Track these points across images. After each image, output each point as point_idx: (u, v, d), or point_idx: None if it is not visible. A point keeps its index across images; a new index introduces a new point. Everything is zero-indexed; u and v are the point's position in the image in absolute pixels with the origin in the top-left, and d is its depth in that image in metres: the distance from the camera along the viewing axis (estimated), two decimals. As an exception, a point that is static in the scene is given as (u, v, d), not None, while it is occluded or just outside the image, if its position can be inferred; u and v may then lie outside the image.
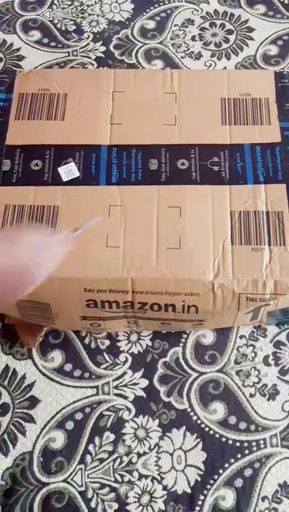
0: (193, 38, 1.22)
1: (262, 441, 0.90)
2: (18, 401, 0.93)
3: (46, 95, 0.94)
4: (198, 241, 0.83)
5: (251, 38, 1.22)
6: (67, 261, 0.80)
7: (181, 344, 0.96)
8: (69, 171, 0.88)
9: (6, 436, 0.91)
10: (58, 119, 0.92)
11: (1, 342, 0.96)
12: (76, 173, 0.88)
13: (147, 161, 0.89)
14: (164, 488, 0.88)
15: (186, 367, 0.94)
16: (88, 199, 0.86)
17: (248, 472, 0.88)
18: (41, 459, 0.90)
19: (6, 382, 0.94)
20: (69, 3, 1.25)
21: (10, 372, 0.95)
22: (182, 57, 1.20)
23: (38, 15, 1.24)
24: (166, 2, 1.26)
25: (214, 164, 0.88)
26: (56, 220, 0.84)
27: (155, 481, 0.88)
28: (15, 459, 0.90)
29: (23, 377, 0.94)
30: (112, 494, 0.88)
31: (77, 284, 0.81)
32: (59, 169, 0.88)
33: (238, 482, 0.88)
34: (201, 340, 0.96)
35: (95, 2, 1.25)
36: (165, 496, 0.87)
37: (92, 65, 1.18)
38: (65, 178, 0.88)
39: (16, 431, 0.91)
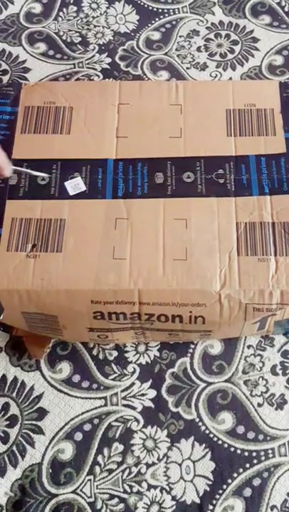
0: (198, 49, 1.22)
1: (270, 451, 0.90)
2: (27, 412, 0.93)
3: (52, 108, 0.94)
4: (205, 252, 0.83)
5: (256, 49, 1.23)
6: (75, 273, 0.81)
7: (189, 354, 0.96)
8: (76, 185, 0.88)
9: (14, 447, 0.91)
10: (64, 133, 0.93)
11: (10, 354, 0.97)
12: (83, 187, 0.88)
13: (153, 174, 0.89)
14: (173, 498, 0.88)
15: (194, 377, 0.95)
16: (95, 212, 0.86)
17: (256, 482, 0.89)
18: (50, 470, 0.90)
19: (14, 394, 0.95)
20: (74, 15, 1.26)
21: (18, 384, 0.95)
22: (188, 68, 1.20)
23: (43, 27, 1.25)
24: (172, 13, 1.27)
25: (220, 177, 0.88)
26: (63, 233, 0.85)
27: (164, 491, 0.89)
28: (24, 470, 0.90)
29: (32, 388, 0.95)
30: (121, 505, 0.88)
31: (84, 296, 0.82)
32: (65, 183, 0.88)
33: (247, 492, 0.88)
34: (209, 350, 0.96)
35: (100, 14, 1.26)
36: (174, 507, 0.88)
37: (98, 76, 1.18)
38: (71, 192, 0.88)
39: (24, 442, 0.92)
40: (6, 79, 1.18)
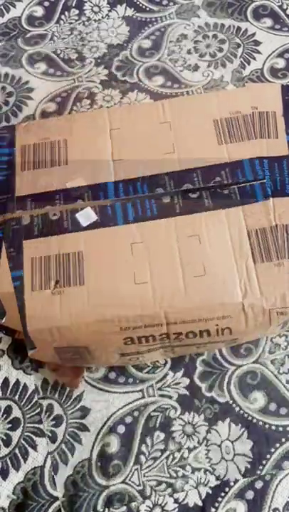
0: (188, 52, 1.27)
1: None
2: (71, 411, 0.98)
3: (47, 144, 0.97)
4: (222, 265, 0.85)
5: (258, 52, 1.27)
6: (100, 303, 0.83)
7: (216, 341, 1.00)
8: (87, 216, 0.90)
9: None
10: (62, 164, 0.95)
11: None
12: (94, 217, 0.90)
13: (154, 190, 0.91)
14: (217, 478, 0.93)
15: (223, 362, 0.99)
16: (110, 240, 0.88)
17: (258, 484, 0.93)
18: (99, 464, 0.95)
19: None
20: (68, 33, 1.31)
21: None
22: (181, 71, 1.25)
23: (41, 48, 1.29)
24: (159, 21, 1.32)
25: (223, 188, 0.90)
26: (83, 265, 0.86)
27: (208, 472, 0.93)
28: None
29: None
30: (169, 489, 0.93)
31: (112, 325, 0.84)
32: (77, 215, 0.90)
33: (287, 464, 0.93)
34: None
35: (93, 29, 1.31)
36: (219, 485, 0.93)
37: (98, 88, 1.23)
38: (84, 224, 0.89)
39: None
40: (12, 100, 1.23)
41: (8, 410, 0.98)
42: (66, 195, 0.92)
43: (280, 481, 0.92)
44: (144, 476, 0.94)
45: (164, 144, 0.95)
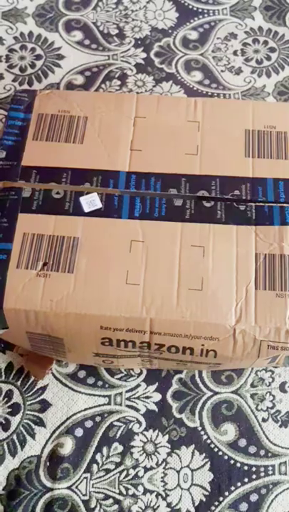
0: (234, 53, 1.21)
1: (270, 468, 0.89)
2: (30, 403, 0.93)
3: (66, 117, 0.92)
4: (221, 283, 0.81)
5: (293, 58, 1.22)
6: (85, 296, 0.78)
7: (198, 361, 0.95)
8: (91, 201, 0.85)
9: (15, 436, 0.91)
10: (76, 142, 0.90)
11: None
12: (98, 205, 0.85)
13: (167, 190, 0.86)
14: (168, 505, 0.88)
15: (201, 385, 0.94)
16: (109, 232, 0.84)
17: (253, 497, 0.88)
18: (48, 464, 0.89)
19: (18, 383, 0.94)
20: (114, 6, 1.25)
21: (24, 374, 0.95)
22: (222, 71, 1.19)
23: (81, 15, 1.24)
24: (211, 14, 1.26)
25: (240, 203, 0.85)
26: (76, 252, 0.82)
27: (160, 497, 0.88)
28: (22, 461, 0.90)
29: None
30: (116, 506, 0.87)
31: (93, 321, 0.79)
32: (81, 199, 0.86)
33: (243, 506, 0.88)
34: (218, 359, 0.96)
35: (140, 8, 1.25)
36: (168, 514, 0.87)
37: (131, 70, 1.18)
38: (86, 209, 0.85)
39: (25, 432, 0.91)
40: (39, 63, 1.18)
41: (9, 394, 0.94)
42: (74, 175, 0.87)
43: (275, 497, 0.88)
44: (93, 486, 0.89)
45: (188, 144, 0.90)
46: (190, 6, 1.27)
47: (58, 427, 0.92)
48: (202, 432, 0.92)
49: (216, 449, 0.91)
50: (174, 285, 0.80)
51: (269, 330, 0.78)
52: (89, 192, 0.86)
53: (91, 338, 0.81)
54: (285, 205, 0.84)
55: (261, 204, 0.85)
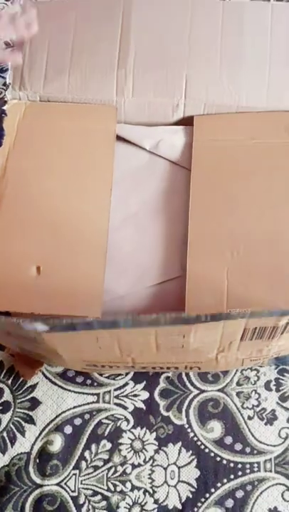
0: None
1: (256, 465, 0.91)
2: (20, 401, 0.94)
3: None
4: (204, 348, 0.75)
5: None
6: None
7: (185, 360, 0.97)
8: None
9: (5, 434, 0.93)
10: None
11: None
12: None
13: None
14: (156, 501, 0.89)
15: (188, 383, 0.95)
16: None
17: (239, 494, 0.89)
18: (37, 461, 0.91)
19: (9, 381, 0.95)
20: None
21: (14, 372, 0.96)
22: None
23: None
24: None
25: None
26: None
27: (147, 493, 0.89)
28: (12, 458, 0.91)
29: None
30: (104, 502, 0.89)
31: (76, 359, 0.82)
32: None
33: (229, 503, 0.89)
34: (206, 358, 0.97)
35: None
36: (155, 510, 0.89)
37: None
38: None
39: (15, 430, 0.92)
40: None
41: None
42: None
43: (260, 493, 0.89)
44: (82, 483, 0.90)
45: None
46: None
47: (48, 424, 0.93)
48: (189, 430, 0.93)
49: (202, 447, 0.92)
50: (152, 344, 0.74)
51: (251, 352, 0.79)
52: None
53: (77, 356, 0.82)
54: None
55: None
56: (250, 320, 0.65)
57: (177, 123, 0.94)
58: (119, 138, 0.93)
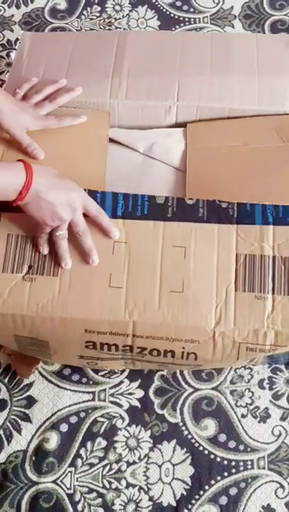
0: None
1: (249, 462, 0.92)
2: (16, 399, 0.95)
3: None
4: (202, 285, 0.80)
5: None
6: (70, 300, 0.78)
7: (179, 359, 0.98)
8: None
9: (1, 432, 0.93)
10: None
11: None
12: None
13: None
14: (150, 498, 0.90)
15: (182, 382, 0.97)
16: (93, 233, 0.82)
17: (233, 491, 0.90)
18: (33, 458, 0.92)
19: (6, 380, 0.96)
20: (97, 14, 1.28)
21: (11, 371, 0.97)
22: None
23: (66, 23, 1.26)
24: (192, 22, 1.28)
25: (222, 200, 0.84)
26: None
27: (142, 490, 0.90)
28: (8, 455, 0.92)
29: None
30: (99, 500, 0.90)
31: (77, 324, 0.80)
32: None
33: (223, 500, 0.90)
34: (199, 357, 0.98)
35: (123, 16, 1.28)
36: (150, 507, 0.89)
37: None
38: None
39: (12, 428, 0.93)
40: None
41: None
42: None
43: (254, 490, 0.91)
44: (77, 480, 0.91)
45: None
46: (171, 15, 1.29)
47: (44, 422, 0.94)
48: (183, 428, 0.94)
49: (196, 444, 0.93)
50: (155, 288, 0.80)
51: (248, 332, 0.79)
52: None
53: (75, 341, 0.82)
54: (267, 203, 0.84)
55: (243, 202, 0.85)
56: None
57: (170, 126, 0.95)
58: (113, 141, 0.94)
